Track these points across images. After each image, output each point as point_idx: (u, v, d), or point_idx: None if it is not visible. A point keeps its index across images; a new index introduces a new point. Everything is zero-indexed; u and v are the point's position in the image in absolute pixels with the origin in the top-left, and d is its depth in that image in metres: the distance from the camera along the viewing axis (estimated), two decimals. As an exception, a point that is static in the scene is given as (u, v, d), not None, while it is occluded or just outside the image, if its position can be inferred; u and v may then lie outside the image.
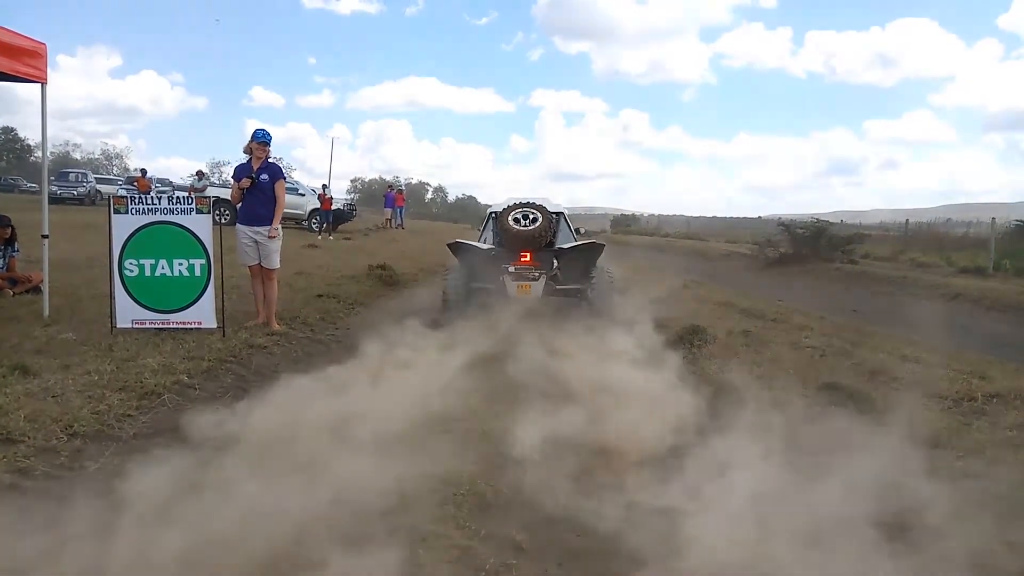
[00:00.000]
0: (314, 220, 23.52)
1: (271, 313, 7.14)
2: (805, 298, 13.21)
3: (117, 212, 6.42)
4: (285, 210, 22.84)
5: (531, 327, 7.09)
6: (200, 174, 28.39)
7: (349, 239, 21.90)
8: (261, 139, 6.98)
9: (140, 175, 27.68)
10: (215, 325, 6.48)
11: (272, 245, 7.00)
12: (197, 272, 6.45)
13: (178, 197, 6.71)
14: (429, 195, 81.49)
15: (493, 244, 8.58)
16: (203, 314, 6.47)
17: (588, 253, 8.01)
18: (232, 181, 7.34)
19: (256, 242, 6.99)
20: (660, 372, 5.42)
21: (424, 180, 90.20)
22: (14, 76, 6.26)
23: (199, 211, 6.47)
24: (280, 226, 7.12)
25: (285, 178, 7.31)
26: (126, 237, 6.41)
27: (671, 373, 5.40)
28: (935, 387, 5.83)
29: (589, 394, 4.93)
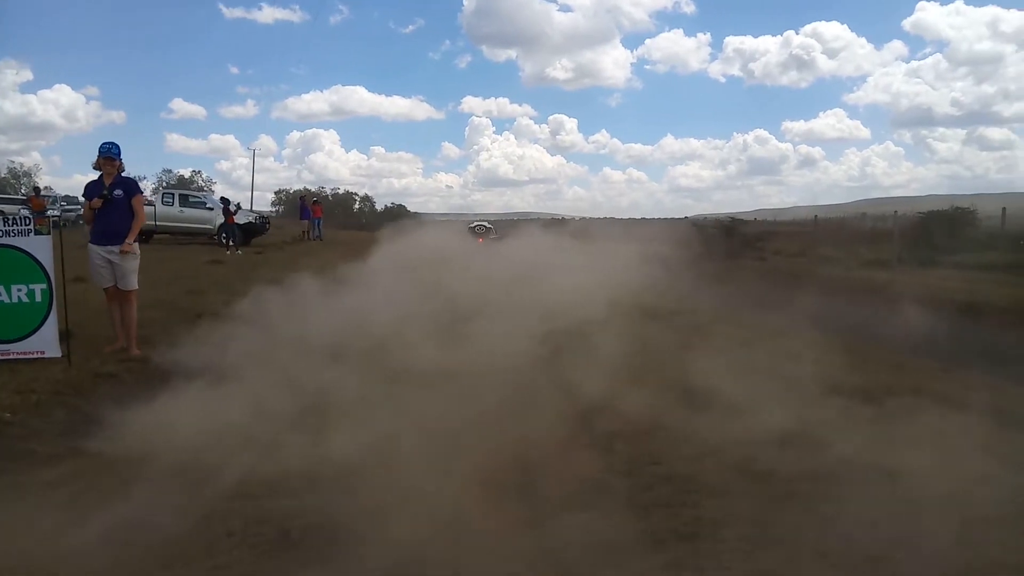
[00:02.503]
0: (224, 235, 22.73)
1: (131, 337, 6.71)
2: (713, 296, 13.33)
3: (-53, 236, 5.92)
4: (195, 226, 22.40)
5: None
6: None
7: (260, 253, 21.27)
8: (106, 153, 6.55)
9: (34, 193, 26.33)
10: (59, 354, 6.03)
11: (128, 265, 6.59)
12: (38, 298, 6.00)
13: (14, 218, 6.23)
14: (357, 205, 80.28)
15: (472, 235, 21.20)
16: (46, 343, 6.02)
17: (499, 239, 18.76)
18: (83, 200, 6.88)
19: (111, 262, 6.57)
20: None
21: (351, 190, 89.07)
22: None
23: (38, 232, 6.02)
24: (136, 243, 6.71)
25: (142, 191, 6.91)
26: (-43, 263, 5.91)
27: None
28: (801, 383, 5.84)
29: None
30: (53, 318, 6.03)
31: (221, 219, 23.16)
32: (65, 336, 6.15)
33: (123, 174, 6.75)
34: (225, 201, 24.10)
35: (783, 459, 3.82)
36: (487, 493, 3.67)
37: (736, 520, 3.07)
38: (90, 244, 6.62)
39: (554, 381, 5.51)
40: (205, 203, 25.26)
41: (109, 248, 6.53)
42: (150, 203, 24.81)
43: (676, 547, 2.93)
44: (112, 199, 6.52)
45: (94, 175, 6.69)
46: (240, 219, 23.85)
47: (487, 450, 4.21)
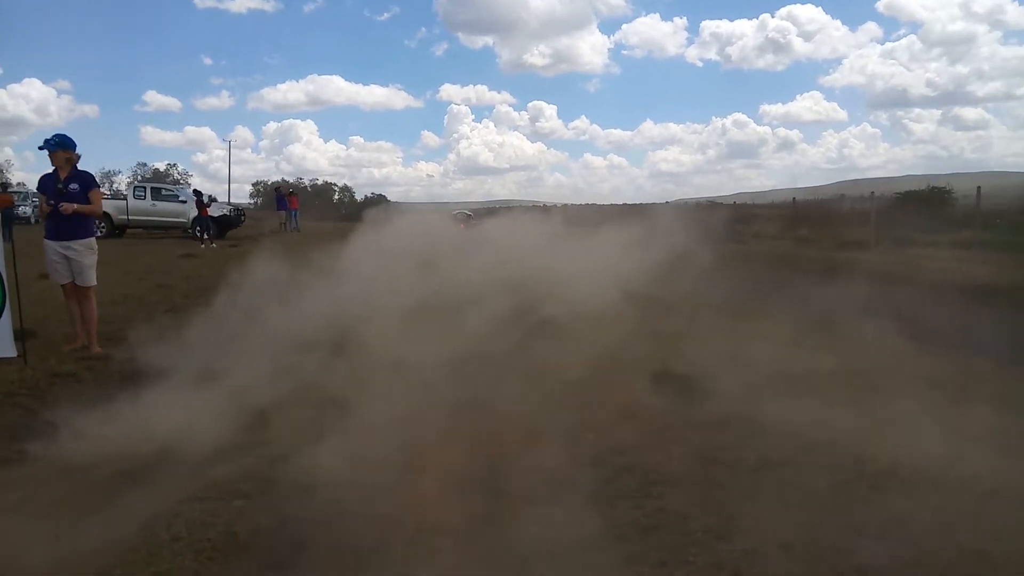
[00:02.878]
0: (198, 228, 22.39)
1: (91, 335, 6.53)
2: (688, 279, 13.25)
3: None
4: (168, 219, 22.08)
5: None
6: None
7: (235, 246, 20.97)
8: (43, 147, 6.32)
9: (1, 190, 25.81)
10: (15, 354, 5.84)
11: (85, 261, 6.40)
12: (-9, 296, 5.80)
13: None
14: (336, 195, 79.63)
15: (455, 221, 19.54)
16: (0, 343, 5.82)
17: (477, 222, 18.07)
18: (39, 194, 6.66)
19: (67, 259, 6.37)
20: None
21: (330, 180, 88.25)
22: None
23: (-11, 228, 5.82)
24: (94, 239, 6.54)
25: (99, 185, 6.71)
26: (-97, 262, 5.70)
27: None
28: (775, 367, 5.78)
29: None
30: (7, 317, 5.83)
31: (195, 212, 22.84)
32: (21, 335, 5.97)
33: (78, 166, 6.54)
34: (198, 193, 23.75)
35: (753, 446, 3.74)
36: (450, 489, 3.57)
37: (701, 511, 2.99)
38: (45, 240, 6.42)
39: (526, 369, 5.40)
40: (178, 196, 24.90)
41: (65, 244, 6.34)
42: (122, 197, 24.46)
43: (638, 541, 2.84)
44: (67, 193, 6.31)
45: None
46: (214, 211, 23.52)
47: (454, 443, 4.12)
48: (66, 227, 6.34)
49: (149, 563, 2.73)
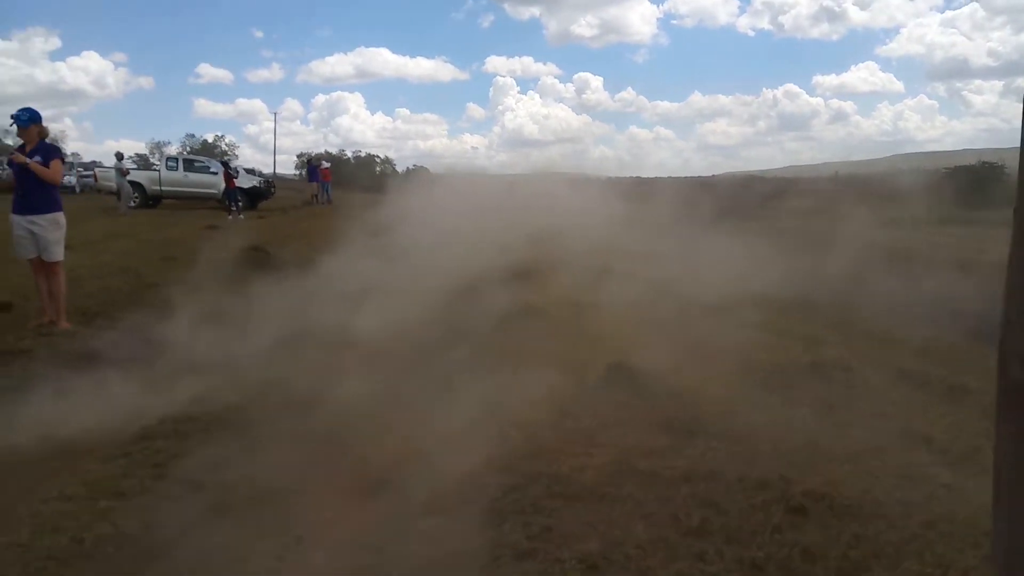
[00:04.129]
0: (227, 199, 22.57)
1: (59, 311, 6.45)
2: (706, 257, 12.71)
3: None
4: (200, 190, 22.22)
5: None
6: (119, 155, 27.07)
7: (263, 218, 21.05)
8: (16, 121, 6.24)
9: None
10: (-30, 330, 5.79)
11: (50, 236, 6.32)
12: (-53, 271, 5.74)
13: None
14: (378, 168, 79.65)
15: None
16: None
17: None
18: (9, 170, 6.59)
19: (33, 233, 6.29)
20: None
21: (374, 152, 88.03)
22: None
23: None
24: (61, 212, 6.45)
25: (63, 157, 6.61)
26: None
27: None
28: (757, 357, 5.37)
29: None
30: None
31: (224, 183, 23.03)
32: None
33: (47, 140, 6.47)
34: (225, 165, 23.95)
35: (679, 455, 3.39)
36: (347, 494, 3.32)
37: (588, 532, 2.67)
38: (12, 215, 6.35)
39: (471, 359, 5.09)
40: (209, 168, 25.16)
41: (30, 218, 6.26)
42: (155, 168, 24.86)
43: (510, 566, 2.54)
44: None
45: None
46: (244, 183, 23.67)
47: (368, 441, 3.84)
48: (31, 201, 6.27)
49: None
